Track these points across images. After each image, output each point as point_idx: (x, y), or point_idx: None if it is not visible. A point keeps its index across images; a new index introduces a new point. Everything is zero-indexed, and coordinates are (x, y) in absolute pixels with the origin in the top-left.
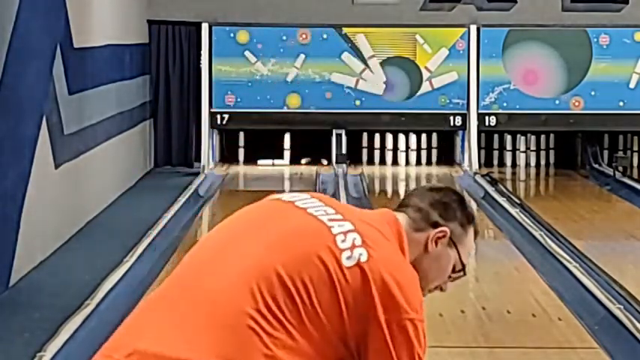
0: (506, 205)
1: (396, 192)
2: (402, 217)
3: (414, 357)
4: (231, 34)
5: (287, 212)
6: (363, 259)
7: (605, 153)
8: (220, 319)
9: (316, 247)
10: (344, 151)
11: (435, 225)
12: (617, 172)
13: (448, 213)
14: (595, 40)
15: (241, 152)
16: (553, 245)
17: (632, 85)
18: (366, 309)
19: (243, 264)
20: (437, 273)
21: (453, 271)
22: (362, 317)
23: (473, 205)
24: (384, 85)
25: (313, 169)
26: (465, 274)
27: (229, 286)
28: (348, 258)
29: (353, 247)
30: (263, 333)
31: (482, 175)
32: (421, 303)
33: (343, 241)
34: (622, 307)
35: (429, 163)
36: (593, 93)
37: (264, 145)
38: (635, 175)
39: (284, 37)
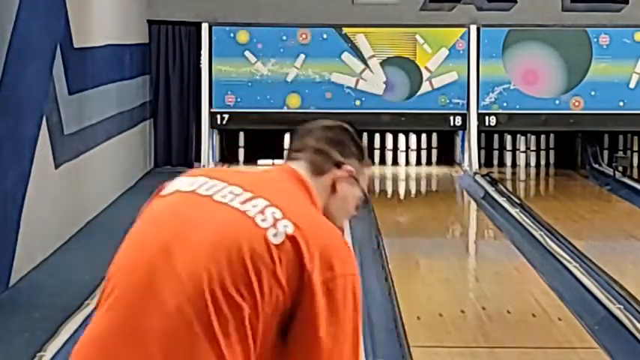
0: (506, 205)
1: (396, 192)
2: (302, 167)
3: (356, 311)
4: (231, 34)
5: (199, 213)
6: (290, 230)
7: (605, 153)
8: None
9: (242, 245)
10: None
11: (338, 165)
12: (617, 172)
13: (346, 150)
14: (595, 40)
15: (241, 152)
16: (553, 245)
17: (632, 85)
18: (301, 278)
19: (181, 295)
20: (345, 212)
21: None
22: (298, 288)
23: (473, 205)
24: (384, 85)
25: None
26: (367, 201)
27: (171, 326)
28: (275, 235)
29: (275, 222)
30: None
31: (483, 175)
32: (352, 258)
33: (264, 220)
34: (622, 307)
35: (429, 163)
36: (593, 93)
37: (264, 145)
38: (635, 175)
39: (284, 37)
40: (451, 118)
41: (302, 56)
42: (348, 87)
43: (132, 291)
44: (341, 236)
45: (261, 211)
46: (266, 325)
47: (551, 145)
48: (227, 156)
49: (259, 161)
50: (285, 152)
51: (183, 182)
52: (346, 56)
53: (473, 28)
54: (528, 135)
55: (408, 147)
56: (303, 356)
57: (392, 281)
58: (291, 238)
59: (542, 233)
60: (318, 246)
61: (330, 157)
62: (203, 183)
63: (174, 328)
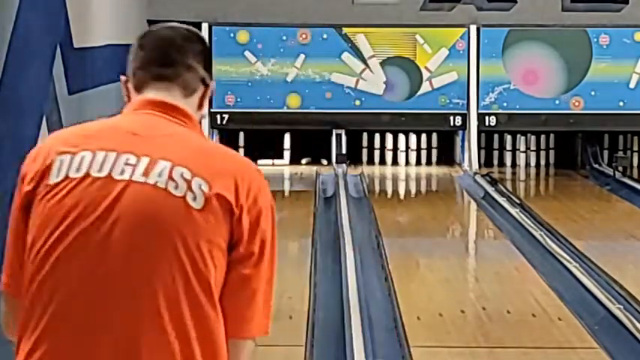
0: (506, 205)
1: (396, 192)
2: (175, 90)
3: (273, 233)
4: (231, 34)
5: (107, 213)
6: (205, 188)
7: (605, 153)
8: None
9: (172, 233)
10: (344, 151)
11: (204, 81)
12: (617, 172)
13: (206, 63)
14: (595, 40)
15: (241, 152)
16: (553, 245)
17: (632, 85)
18: (232, 225)
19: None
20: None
21: None
22: (232, 234)
23: (473, 205)
24: (384, 85)
25: (313, 169)
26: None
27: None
28: (195, 199)
29: (188, 184)
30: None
31: (482, 175)
32: (264, 181)
33: (176, 187)
34: (622, 307)
35: (429, 163)
36: (593, 93)
37: (264, 145)
38: (635, 175)
39: (284, 37)
40: (451, 118)
41: (302, 56)
42: (348, 87)
43: (76, 314)
44: (251, 163)
45: (170, 177)
46: (220, 281)
47: (551, 145)
48: None
49: (259, 161)
50: (151, 70)
51: (66, 161)
52: (346, 56)
53: (473, 28)
54: (528, 135)
55: (408, 147)
56: (244, 283)
57: (392, 281)
58: (210, 195)
59: (542, 233)
60: (237, 188)
61: (198, 74)
62: (91, 159)
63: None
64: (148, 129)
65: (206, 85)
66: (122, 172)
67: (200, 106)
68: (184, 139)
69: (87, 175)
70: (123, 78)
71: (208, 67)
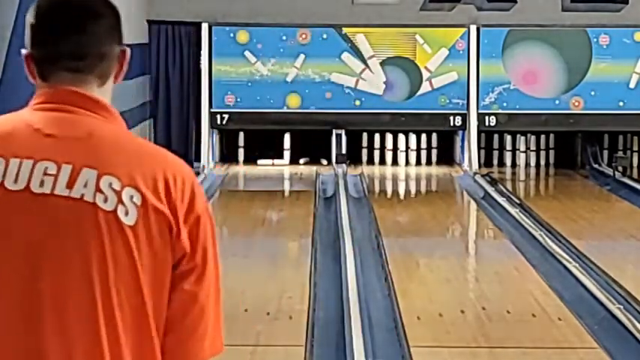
0: (506, 205)
1: (395, 192)
2: (90, 83)
3: (214, 238)
4: (231, 34)
5: (30, 235)
6: (138, 200)
7: (605, 153)
8: None
9: (105, 256)
10: (344, 151)
11: (118, 59)
12: (616, 172)
13: (120, 32)
14: (595, 40)
15: (241, 152)
16: (553, 245)
17: (632, 85)
18: (170, 235)
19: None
20: None
21: None
22: (171, 245)
23: (473, 205)
24: (384, 85)
25: (313, 169)
26: None
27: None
28: (127, 214)
29: (118, 196)
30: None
31: (482, 175)
32: (197, 182)
33: (105, 200)
34: (622, 307)
35: (428, 163)
36: (593, 93)
37: (264, 145)
38: (635, 175)
39: (284, 37)
40: (451, 118)
41: (302, 56)
42: (348, 87)
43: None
44: (181, 162)
45: (97, 189)
46: (162, 303)
47: (551, 145)
48: (227, 156)
49: (259, 161)
50: (60, 61)
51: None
52: (346, 56)
53: (473, 28)
54: (528, 135)
55: (407, 147)
56: (191, 301)
57: (392, 281)
58: (144, 208)
59: (542, 233)
60: (171, 194)
61: (114, 55)
62: (4, 169)
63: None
64: (65, 129)
65: (123, 52)
66: (42, 185)
67: (117, 77)
68: (108, 139)
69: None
70: (24, 52)
71: (121, 35)
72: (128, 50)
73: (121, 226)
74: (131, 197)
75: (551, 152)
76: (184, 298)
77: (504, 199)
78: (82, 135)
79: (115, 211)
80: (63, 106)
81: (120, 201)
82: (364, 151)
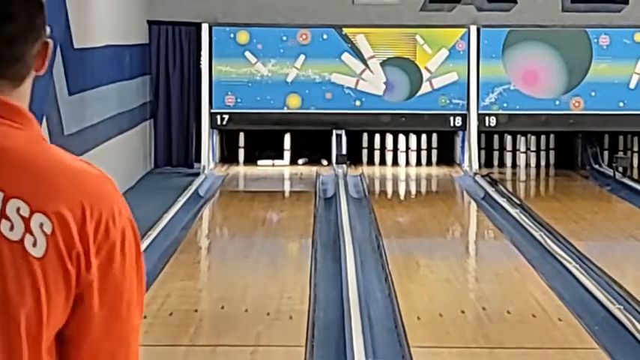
0: (507, 205)
1: (396, 192)
2: (3, 86)
3: (139, 265)
4: (231, 35)
5: None
6: (48, 227)
7: (606, 153)
8: None
9: (8, 292)
10: (344, 151)
11: (40, 50)
12: (617, 173)
13: (42, 21)
14: (595, 40)
15: (241, 152)
16: (553, 245)
17: (632, 86)
18: (79, 267)
19: None
20: None
21: None
22: (77, 279)
23: (473, 206)
24: (384, 86)
25: (313, 169)
26: None
27: None
28: (34, 244)
29: (26, 224)
30: None
31: (483, 176)
32: (121, 203)
33: (11, 228)
34: (622, 307)
35: (429, 163)
36: (593, 93)
37: (264, 146)
38: (635, 175)
39: (284, 38)
40: (451, 118)
41: (302, 56)
42: (348, 87)
43: None
44: (102, 180)
45: (2, 213)
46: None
47: (551, 145)
48: (227, 156)
49: (259, 161)
50: None
51: None
52: (346, 56)
53: (473, 28)
54: (528, 135)
55: (408, 147)
56: (97, 348)
57: (392, 281)
58: (53, 238)
59: (542, 233)
60: (85, 221)
61: (30, 56)
62: None
63: None
64: None
65: (44, 46)
66: None
67: (38, 70)
68: (19, 154)
69: None
70: None
71: (42, 29)
72: (51, 42)
73: (28, 259)
74: (41, 225)
75: (552, 153)
76: (90, 345)
77: (504, 199)
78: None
79: (22, 240)
80: None
81: (28, 229)
82: (364, 152)
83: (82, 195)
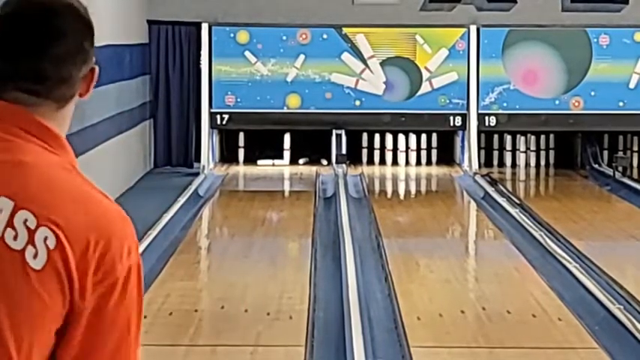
0: (506, 205)
1: (395, 192)
2: (46, 107)
3: (139, 304)
4: (231, 34)
5: None
6: (52, 242)
7: (605, 153)
8: None
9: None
10: (344, 151)
11: (85, 77)
12: (616, 173)
13: (89, 55)
14: (595, 40)
15: (241, 152)
16: (553, 245)
17: (631, 86)
18: (72, 295)
19: None
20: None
21: None
22: (71, 308)
23: (473, 206)
24: (384, 86)
25: (313, 169)
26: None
27: None
28: (35, 256)
29: (31, 235)
30: None
31: (482, 176)
32: (131, 243)
33: (15, 237)
34: (622, 307)
35: (428, 163)
36: (593, 93)
37: (264, 145)
38: (635, 175)
39: (284, 37)
40: (451, 118)
41: (302, 56)
42: (348, 87)
43: None
44: (117, 216)
45: (9, 222)
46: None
47: (551, 145)
48: (227, 156)
49: (259, 161)
50: (12, 80)
51: None
52: (346, 56)
53: (473, 28)
54: (528, 135)
55: (407, 147)
56: None
57: (392, 281)
58: (54, 253)
59: (542, 233)
60: (87, 250)
61: (77, 80)
62: None
63: None
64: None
65: (91, 71)
66: None
67: (82, 95)
68: (40, 171)
69: None
70: None
71: (90, 54)
72: (97, 69)
73: (25, 269)
74: (45, 238)
75: (551, 152)
76: None
77: (504, 199)
78: (10, 159)
79: (23, 250)
80: (1, 125)
81: (31, 241)
82: (364, 152)
83: (94, 225)
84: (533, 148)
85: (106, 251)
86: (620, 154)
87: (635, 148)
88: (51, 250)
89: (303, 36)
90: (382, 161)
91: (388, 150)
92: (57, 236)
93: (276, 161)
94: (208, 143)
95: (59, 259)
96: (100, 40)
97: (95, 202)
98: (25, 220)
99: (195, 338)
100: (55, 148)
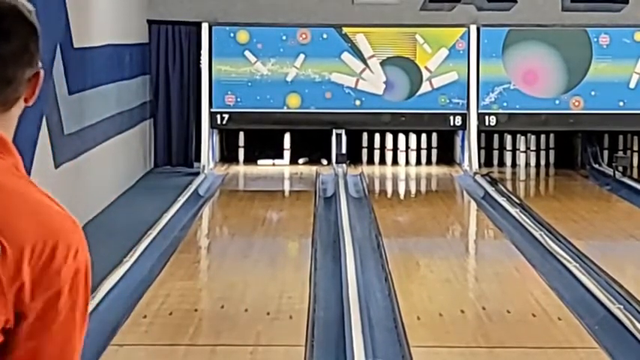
0: (506, 205)
1: (395, 192)
2: None
3: (85, 304)
4: (231, 34)
5: None
6: None
7: (605, 153)
8: None
9: None
10: (344, 151)
11: (30, 79)
12: (617, 172)
13: (34, 58)
14: (595, 40)
15: (241, 152)
16: (553, 245)
17: (632, 85)
18: (17, 304)
19: None
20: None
21: None
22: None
23: (473, 205)
24: (384, 85)
25: (313, 169)
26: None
27: None
28: None
29: None
30: None
31: (482, 175)
32: (78, 244)
33: None
34: (622, 307)
35: (429, 162)
36: (593, 93)
37: (264, 145)
38: (635, 175)
39: (284, 37)
40: (451, 118)
41: (302, 56)
42: (348, 87)
43: None
44: (64, 223)
45: None
46: None
47: (551, 145)
48: (227, 156)
49: (259, 161)
50: None
51: None
52: (346, 56)
53: (473, 28)
54: (528, 135)
55: (408, 147)
56: None
57: (392, 281)
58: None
59: (542, 233)
60: (35, 254)
61: (22, 81)
62: None
63: None
64: None
65: (36, 74)
66: None
67: (27, 100)
68: None
69: None
70: None
71: (36, 56)
72: (42, 72)
73: None
74: None
75: (551, 152)
76: None
77: (504, 199)
78: None
79: None
80: None
81: None
82: (364, 151)
83: (40, 230)
84: (533, 147)
85: (52, 256)
86: (620, 153)
87: (635, 148)
88: None
89: (303, 36)
90: (382, 161)
91: (388, 150)
92: (2, 245)
93: (276, 161)
94: (208, 143)
95: (3, 268)
96: (99, 40)
97: (41, 207)
98: None
99: (195, 338)
100: (1, 152)
